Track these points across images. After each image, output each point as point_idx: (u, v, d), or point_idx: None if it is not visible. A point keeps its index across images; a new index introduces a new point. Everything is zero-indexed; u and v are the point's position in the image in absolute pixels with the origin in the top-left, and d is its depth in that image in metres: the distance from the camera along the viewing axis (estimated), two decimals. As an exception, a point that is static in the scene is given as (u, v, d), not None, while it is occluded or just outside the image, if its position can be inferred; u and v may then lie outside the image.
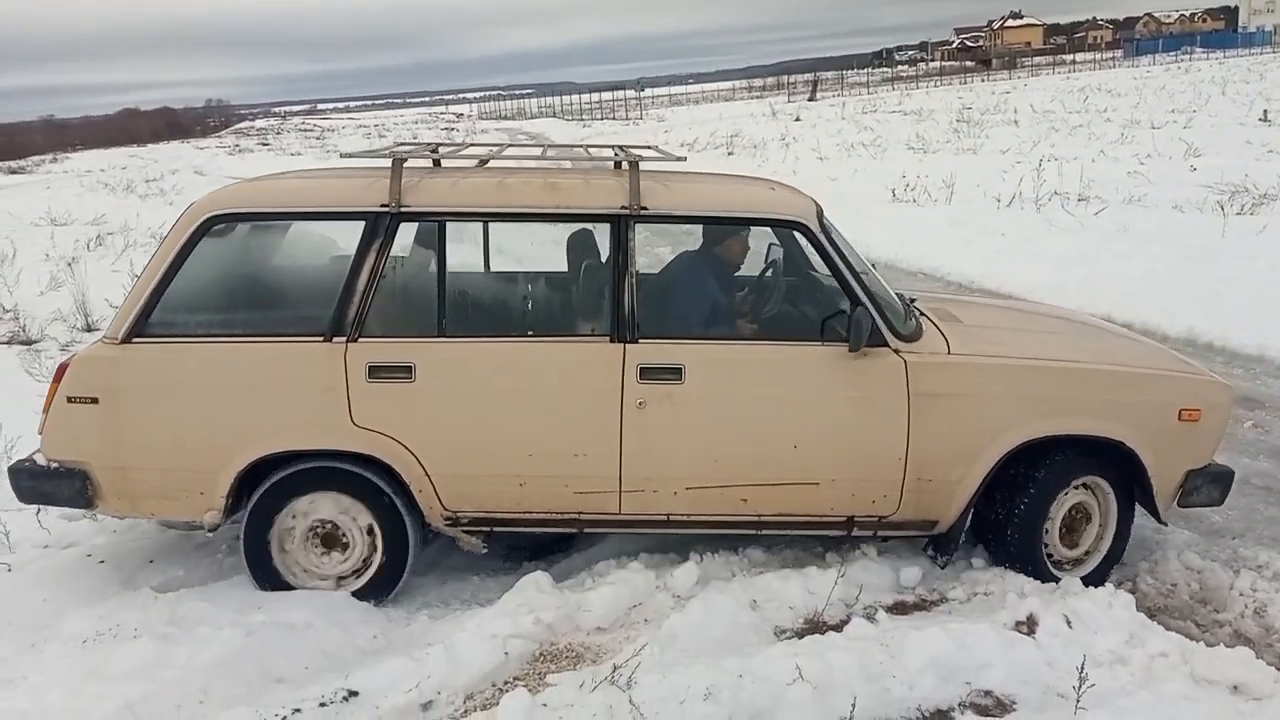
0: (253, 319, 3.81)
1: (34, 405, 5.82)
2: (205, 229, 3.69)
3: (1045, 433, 3.73)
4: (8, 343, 7.44)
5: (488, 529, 3.86)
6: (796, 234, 3.88)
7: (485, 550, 3.94)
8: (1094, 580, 3.81)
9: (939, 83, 59.10)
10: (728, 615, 3.50)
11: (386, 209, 3.68)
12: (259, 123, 77.61)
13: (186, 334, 3.69)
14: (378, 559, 3.82)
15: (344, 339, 3.63)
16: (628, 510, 3.79)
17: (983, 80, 57.06)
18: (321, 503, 3.78)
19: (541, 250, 5.61)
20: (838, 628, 3.46)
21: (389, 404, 3.65)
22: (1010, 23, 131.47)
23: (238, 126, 72.43)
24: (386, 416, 3.65)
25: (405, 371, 3.63)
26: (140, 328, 3.65)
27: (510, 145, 5.07)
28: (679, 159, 4.22)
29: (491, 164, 4.46)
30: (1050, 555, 3.91)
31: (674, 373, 3.66)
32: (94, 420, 3.65)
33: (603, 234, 3.89)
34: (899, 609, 3.72)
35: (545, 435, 3.69)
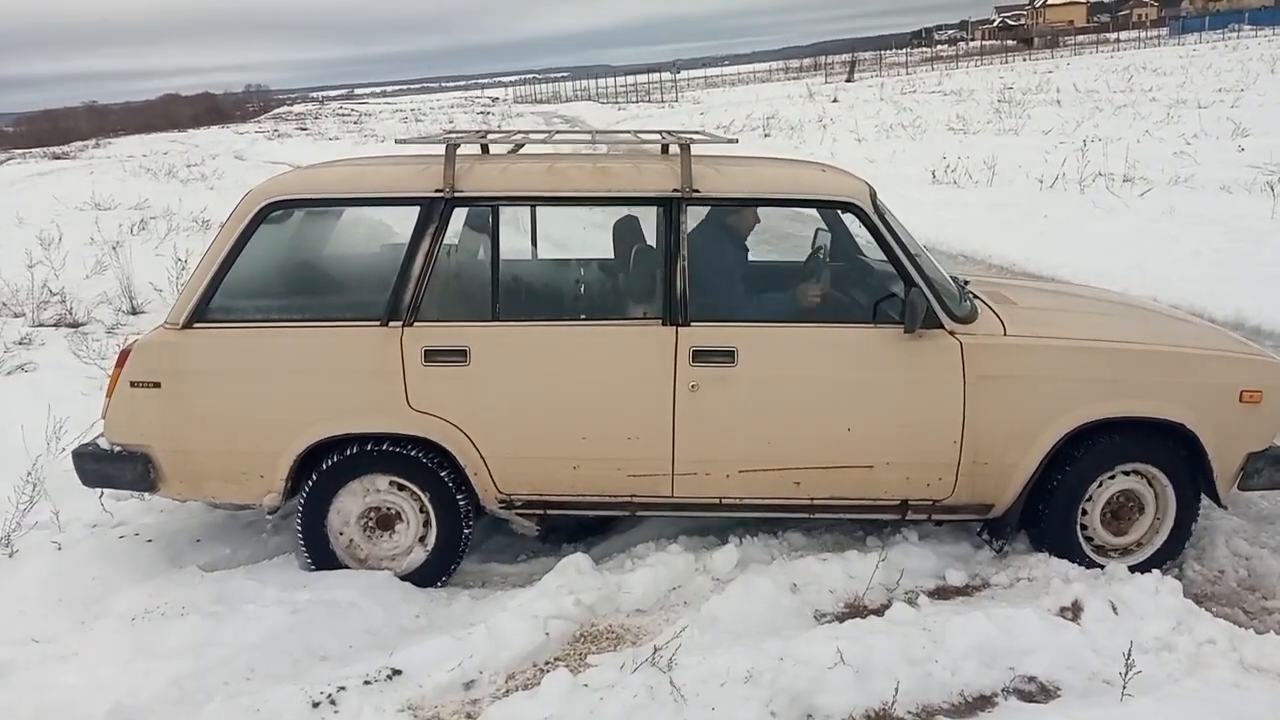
0: (310, 304, 3.86)
1: (81, 387, 5.96)
2: (263, 215, 3.74)
3: (1103, 415, 3.68)
4: (55, 326, 7.57)
5: (541, 511, 3.89)
6: (850, 215, 3.86)
7: (539, 532, 3.97)
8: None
9: (979, 62, 58.25)
10: (767, 598, 3.50)
11: (441, 194, 3.71)
12: (297, 108, 78.20)
13: (246, 319, 3.74)
14: (433, 542, 3.86)
15: (400, 323, 3.67)
16: (680, 493, 3.80)
17: (1024, 59, 56.16)
18: (377, 486, 3.82)
19: (587, 236, 5.62)
20: (879, 612, 3.45)
21: (445, 388, 3.68)
22: (1052, 1, 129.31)
23: (276, 111, 73.05)
24: (442, 400, 3.69)
25: (460, 355, 3.66)
26: (201, 314, 3.71)
27: (558, 132, 5.08)
28: (731, 141, 4.21)
29: (529, 149, 4.47)
30: (1091, 540, 3.86)
31: (727, 355, 3.66)
32: (156, 404, 3.71)
33: (651, 218, 3.89)
34: (941, 594, 3.70)
35: (598, 418, 3.71)
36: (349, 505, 3.84)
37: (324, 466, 3.77)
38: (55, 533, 4.18)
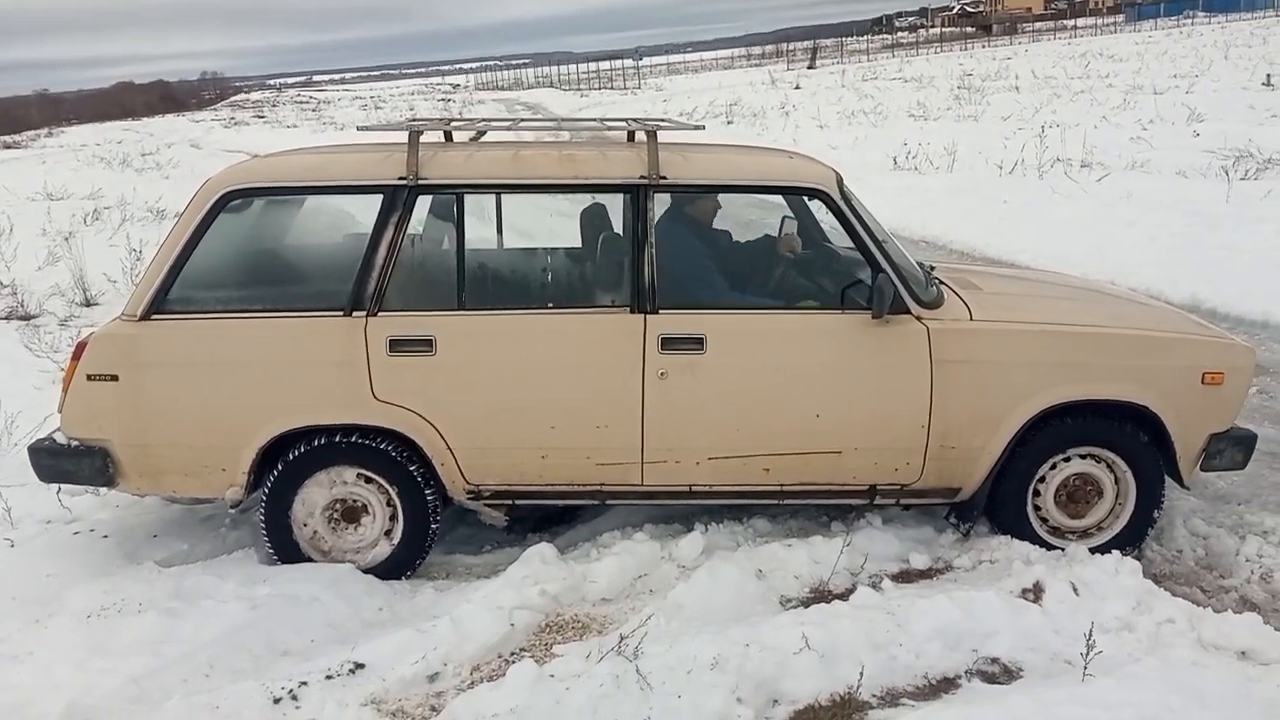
0: (271, 294, 3.80)
1: (33, 381, 5.84)
2: (222, 205, 3.68)
3: (1069, 398, 3.71)
4: (6, 318, 7.42)
5: (510, 501, 3.87)
6: (816, 202, 3.86)
7: (507, 523, 3.94)
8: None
9: (939, 49, 58.65)
10: (733, 585, 3.50)
11: (404, 182, 3.66)
12: (254, 95, 77.17)
13: (205, 310, 3.68)
14: (399, 534, 3.82)
15: (364, 313, 3.62)
16: (650, 481, 3.78)
17: (983, 46, 56.60)
18: (344, 478, 3.78)
19: (553, 225, 5.58)
20: (844, 596, 3.46)
21: (410, 378, 3.64)
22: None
23: (233, 99, 71.99)
24: (408, 390, 3.65)
25: (426, 345, 3.62)
26: (159, 305, 3.64)
27: (523, 120, 5.03)
28: (697, 128, 4.19)
29: (493, 136, 4.43)
30: (1047, 521, 3.89)
31: (696, 343, 3.65)
32: (114, 398, 3.64)
33: (619, 206, 3.87)
34: (904, 577, 3.72)
35: (567, 407, 3.68)
36: (314, 497, 3.79)
37: (289, 458, 3.71)
38: (8, 529, 4.09)
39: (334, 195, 3.99)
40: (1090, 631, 2.98)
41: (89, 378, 3.65)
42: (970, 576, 3.68)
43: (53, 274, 8.47)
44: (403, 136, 3.75)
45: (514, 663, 3.08)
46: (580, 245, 4.45)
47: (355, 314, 3.63)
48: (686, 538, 3.88)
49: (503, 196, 4.45)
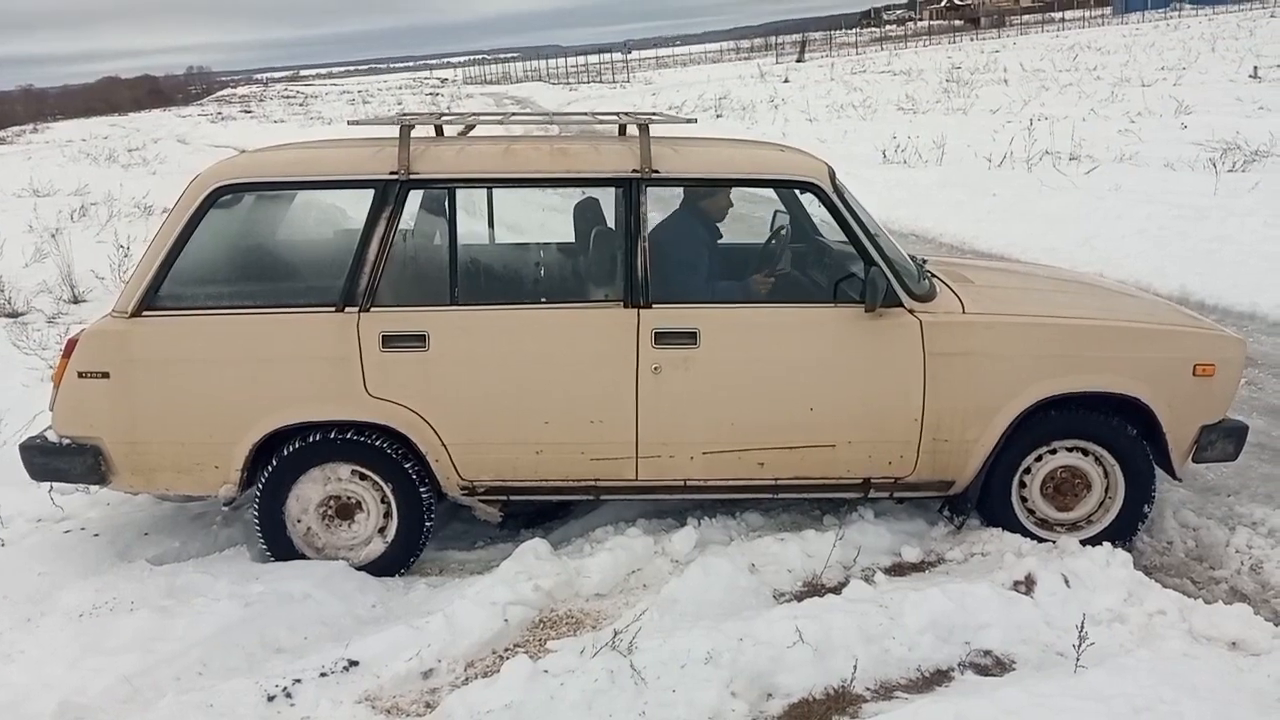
0: (263, 290, 3.78)
1: (21, 378, 5.81)
2: (212, 200, 3.66)
3: (1062, 390, 3.72)
4: (-7, 315, 7.37)
5: (504, 497, 3.87)
6: (809, 196, 3.86)
7: (501, 519, 3.94)
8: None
9: (928, 42, 58.65)
10: (726, 579, 3.51)
11: (396, 176, 3.64)
12: (241, 89, 76.81)
13: (197, 307, 3.66)
14: (394, 531, 3.81)
15: (356, 309, 3.61)
16: (644, 476, 3.79)
17: (971, 39, 56.64)
18: (338, 474, 3.77)
19: (544, 220, 5.56)
20: (836, 590, 3.47)
21: (404, 374, 3.63)
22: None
23: (220, 94, 71.64)
24: (401, 386, 3.64)
25: (419, 341, 3.61)
26: (149, 301, 3.63)
27: (514, 114, 5.03)
28: (689, 121, 4.19)
29: (484, 130, 4.41)
30: (1034, 513, 3.90)
31: (689, 337, 3.65)
32: (106, 395, 3.63)
33: (611, 199, 3.86)
34: (897, 570, 3.73)
35: (561, 402, 3.68)
36: (308, 494, 3.78)
37: (283, 454, 3.70)
38: (-2, 528, 4.07)
39: (325, 190, 3.98)
40: (1082, 623, 3.00)
41: (80, 375, 3.63)
42: (962, 569, 3.69)
43: (40, 271, 8.43)
44: (393, 131, 3.74)
45: (508, 659, 3.08)
46: (574, 240, 4.45)
47: (348, 310, 3.62)
48: (679, 532, 3.88)
49: (494, 191, 4.43)
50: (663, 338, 3.65)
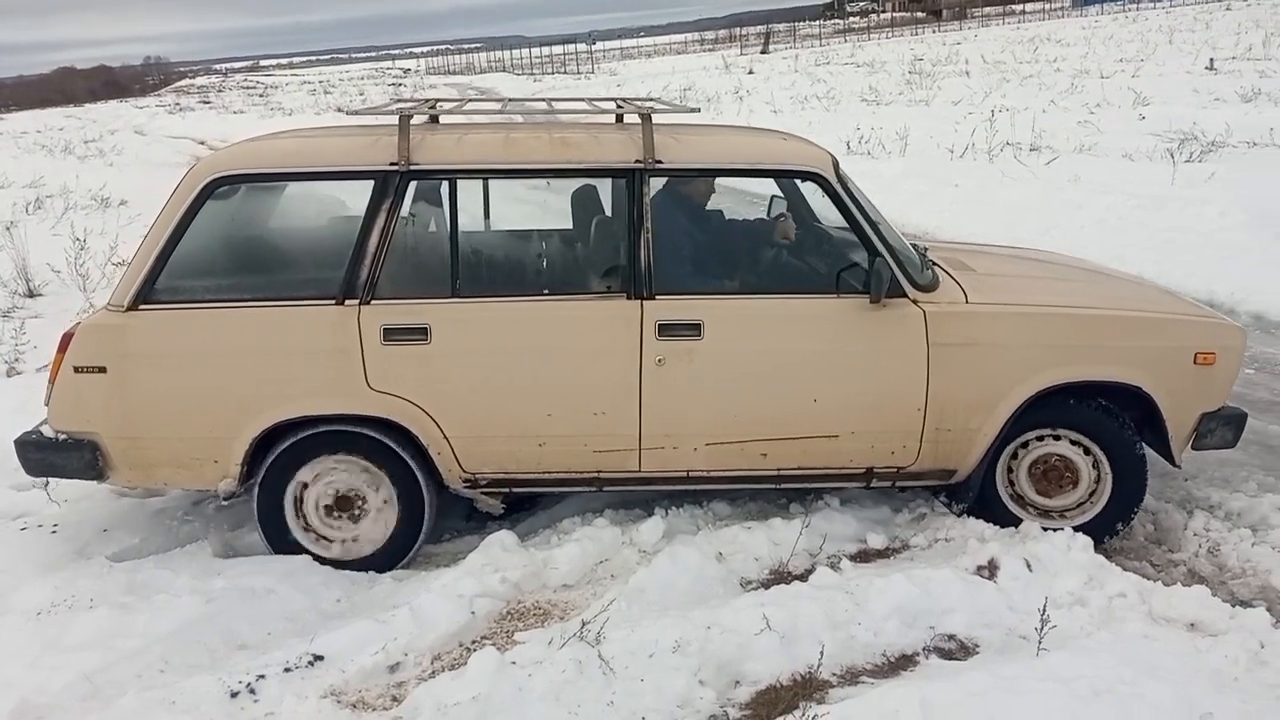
0: (261, 283, 3.74)
1: (-24, 374, 5.68)
2: (209, 191, 3.60)
3: (1064, 379, 3.73)
4: (-54, 310, 7.22)
5: (506, 490, 3.85)
6: (812, 185, 3.83)
7: (503, 510, 3.93)
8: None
9: (891, 34, 58.97)
10: (694, 568, 3.51)
11: (395, 167, 3.60)
12: (199, 80, 75.63)
13: (194, 300, 3.61)
14: (394, 523, 3.78)
15: (356, 301, 3.58)
16: (647, 468, 3.78)
17: (934, 31, 57.05)
18: (337, 468, 3.73)
19: (541, 216, 5.51)
20: (803, 577, 3.49)
21: (405, 366, 3.60)
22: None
23: (178, 85, 70.50)
24: (403, 379, 3.61)
25: (421, 333, 3.58)
26: (146, 294, 3.57)
27: (511, 100, 4.97)
28: (692, 109, 4.17)
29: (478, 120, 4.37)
30: (1020, 497, 3.91)
31: (693, 328, 3.64)
32: (102, 390, 3.57)
33: (614, 188, 3.86)
34: (862, 557, 3.76)
35: (564, 394, 3.66)
36: (308, 488, 3.74)
37: (284, 448, 3.67)
38: (-49, 527, 3.99)
39: (323, 182, 3.92)
40: (1044, 607, 3.03)
41: (76, 369, 3.58)
42: (927, 555, 3.73)
43: (-6, 264, 8.26)
44: (388, 120, 3.70)
45: (475, 651, 3.07)
46: (572, 228, 4.40)
47: (348, 302, 3.58)
48: (647, 522, 3.88)
49: (491, 184, 4.39)
50: (666, 329, 3.63)
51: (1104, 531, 3.86)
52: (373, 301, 3.59)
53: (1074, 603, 3.24)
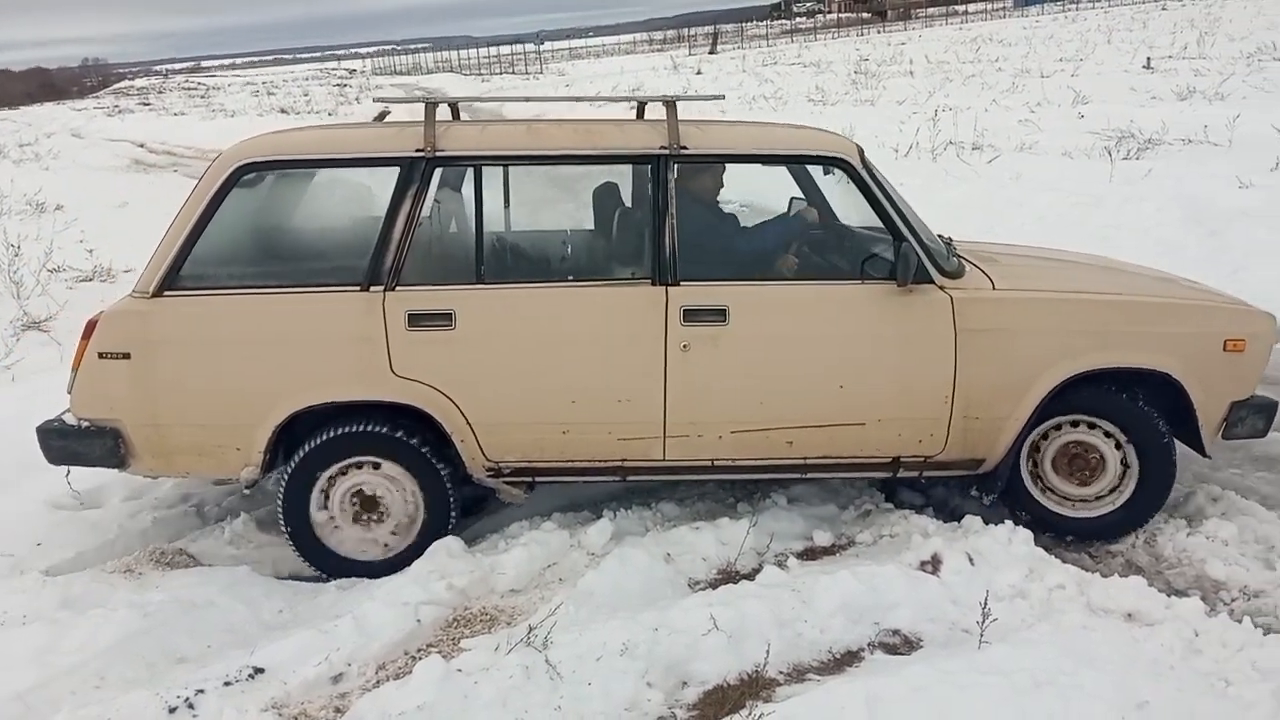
0: (286, 269, 3.72)
1: (-98, 384, 5.51)
2: (235, 179, 3.59)
3: (1093, 366, 3.71)
4: (-128, 319, 6.99)
5: (530, 479, 3.83)
6: (839, 172, 3.83)
7: (526, 500, 3.91)
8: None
9: (837, 34, 59.50)
10: (642, 570, 3.51)
11: (421, 154, 3.59)
12: (139, 82, 74.12)
13: (219, 286, 3.60)
14: (421, 517, 3.75)
15: (381, 288, 3.56)
16: (672, 456, 3.76)
17: (879, 31, 57.65)
18: (365, 464, 3.71)
19: (560, 215, 5.42)
20: (750, 576, 3.50)
21: (429, 353, 3.58)
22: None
23: (116, 86, 69.02)
24: (427, 365, 3.59)
25: (446, 319, 3.56)
26: (171, 281, 3.56)
27: (532, 98, 4.99)
28: (717, 97, 4.19)
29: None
30: (1041, 481, 3.93)
31: (719, 314, 3.62)
32: (126, 376, 3.54)
33: (635, 178, 3.91)
34: (809, 555, 3.78)
35: (588, 381, 3.64)
36: (334, 484, 3.71)
37: (308, 447, 3.64)
38: (-125, 544, 3.86)
39: (349, 169, 3.87)
40: (985, 600, 3.07)
41: (100, 356, 3.55)
42: (872, 551, 3.76)
43: (-77, 271, 8.01)
44: (388, 116, 3.70)
45: (420, 659, 3.03)
46: (594, 226, 4.39)
47: (373, 289, 3.57)
48: (595, 525, 3.87)
49: (512, 172, 4.33)
50: (692, 315, 3.61)
51: (1132, 523, 3.87)
52: (398, 288, 3.57)
53: (1015, 595, 3.28)
